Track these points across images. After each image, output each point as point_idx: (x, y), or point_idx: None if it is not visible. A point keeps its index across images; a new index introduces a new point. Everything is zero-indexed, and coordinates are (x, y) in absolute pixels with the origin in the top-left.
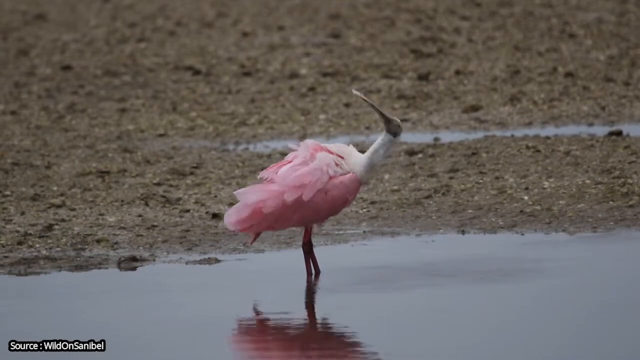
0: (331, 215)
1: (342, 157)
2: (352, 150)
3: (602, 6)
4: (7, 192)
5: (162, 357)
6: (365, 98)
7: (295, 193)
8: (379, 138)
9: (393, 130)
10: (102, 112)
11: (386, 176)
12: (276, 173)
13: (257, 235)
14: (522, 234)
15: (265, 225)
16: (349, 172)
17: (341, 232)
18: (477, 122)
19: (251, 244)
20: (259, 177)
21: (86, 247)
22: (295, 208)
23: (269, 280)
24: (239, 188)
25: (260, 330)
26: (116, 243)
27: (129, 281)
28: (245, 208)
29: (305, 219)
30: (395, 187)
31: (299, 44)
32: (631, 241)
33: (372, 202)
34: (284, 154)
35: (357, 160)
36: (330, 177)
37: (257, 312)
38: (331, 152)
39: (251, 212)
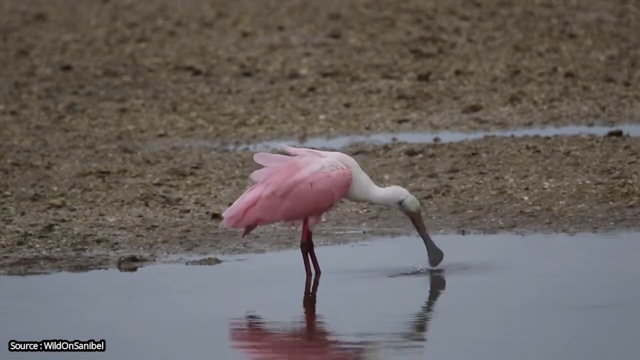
0: (320, 211)
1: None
2: (360, 170)
3: (602, 6)
4: (7, 192)
5: (162, 357)
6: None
7: (279, 184)
8: (396, 197)
9: (405, 208)
10: (102, 112)
11: (386, 176)
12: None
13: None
14: (522, 235)
15: (254, 217)
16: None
17: (341, 232)
18: (477, 122)
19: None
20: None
21: (86, 247)
22: (281, 198)
23: (269, 280)
24: (239, 188)
25: (260, 330)
26: (116, 243)
27: (129, 281)
28: (238, 204)
29: (292, 210)
30: None
31: (299, 44)
32: None
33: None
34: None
35: (364, 179)
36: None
37: (257, 313)
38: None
39: (243, 207)
